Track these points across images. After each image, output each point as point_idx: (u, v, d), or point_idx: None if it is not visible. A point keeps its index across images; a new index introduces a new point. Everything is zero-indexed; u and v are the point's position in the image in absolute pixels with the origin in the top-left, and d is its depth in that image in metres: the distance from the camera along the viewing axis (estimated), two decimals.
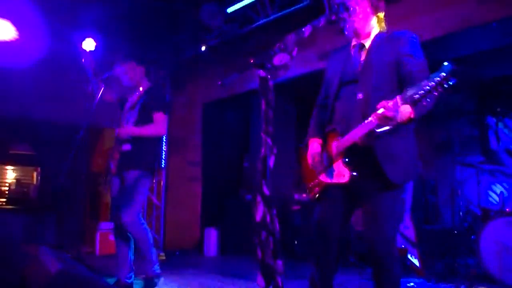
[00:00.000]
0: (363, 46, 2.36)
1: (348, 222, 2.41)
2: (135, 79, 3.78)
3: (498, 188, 4.83)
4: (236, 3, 5.47)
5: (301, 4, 4.94)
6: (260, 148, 1.84)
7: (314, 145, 2.44)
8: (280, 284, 1.77)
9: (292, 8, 5.05)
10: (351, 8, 2.27)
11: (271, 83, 1.87)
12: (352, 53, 2.39)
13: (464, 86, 6.25)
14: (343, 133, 2.24)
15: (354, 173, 2.17)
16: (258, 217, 1.82)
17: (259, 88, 1.87)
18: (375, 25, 2.37)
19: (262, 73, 1.87)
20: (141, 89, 3.78)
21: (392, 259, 2.16)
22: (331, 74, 2.48)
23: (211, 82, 6.93)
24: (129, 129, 3.60)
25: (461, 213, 4.61)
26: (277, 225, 1.81)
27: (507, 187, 4.90)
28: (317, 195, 2.36)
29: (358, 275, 4.53)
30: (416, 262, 4.17)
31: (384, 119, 1.97)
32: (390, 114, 1.94)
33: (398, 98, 1.91)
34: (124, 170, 3.57)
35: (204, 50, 6.32)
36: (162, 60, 6.99)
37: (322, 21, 2.14)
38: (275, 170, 1.84)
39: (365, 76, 2.24)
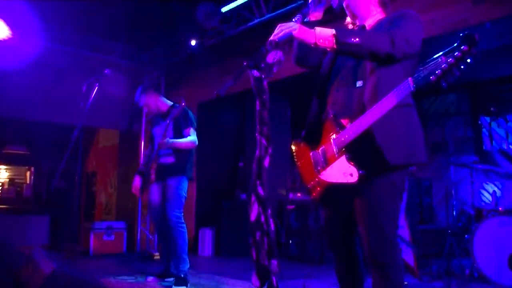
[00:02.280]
0: (364, 27, 2.14)
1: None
2: (157, 105, 4.37)
3: (491, 188, 4.85)
4: (231, 3, 5.46)
5: (295, 4, 4.95)
6: (255, 148, 1.84)
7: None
8: (275, 284, 1.76)
9: (287, 8, 5.05)
10: None
11: (265, 83, 1.86)
12: None
13: (458, 86, 6.28)
14: (338, 122, 1.99)
15: (361, 171, 1.86)
16: (253, 217, 1.82)
17: (254, 88, 1.85)
18: (377, 9, 2.16)
19: (256, 73, 1.86)
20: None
21: (393, 266, 1.93)
22: (326, 58, 2.24)
23: (206, 82, 6.92)
24: (171, 143, 4.10)
25: (455, 213, 4.63)
26: (272, 225, 1.80)
27: (500, 186, 4.93)
28: (319, 197, 2.06)
29: None
30: (410, 261, 4.18)
31: None
32: None
33: (410, 80, 1.70)
34: (168, 178, 4.12)
35: (199, 50, 6.30)
36: (157, 61, 6.98)
37: (310, 6, 2.09)
38: (270, 170, 1.83)
39: (363, 64, 2.00)
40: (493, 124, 6.09)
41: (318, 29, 1.88)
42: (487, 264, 3.89)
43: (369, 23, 2.14)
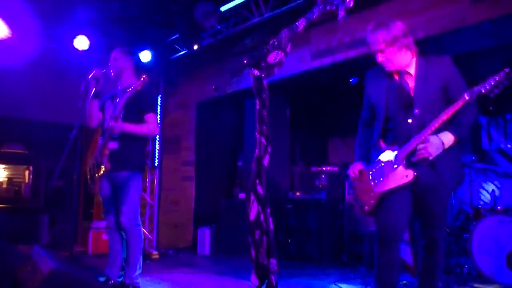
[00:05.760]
0: (407, 72, 2.45)
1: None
2: (121, 68, 3.64)
3: (490, 187, 4.85)
4: (230, 2, 5.45)
5: (294, 3, 4.94)
6: (254, 147, 1.84)
7: (358, 165, 2.62)
8: (274, 283, 1.77)
9: (286, 7, 5.05)
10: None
11: (265, 82, 1.86)
12: (397, 79, 2.48)
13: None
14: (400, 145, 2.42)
15: (415, 173, 2.35)
16: (252, 216, 1.82)
17: (254, 87, 1.86)
18: (407, 53, 2.44)
19: (256, 72, 1.86)
20: (129, 89, 3.50)
21: (444, 241, 2.51)
22: (376, 97, 2.58)
23: (204, 81, 6.92)
24: (125, 125, 3.43)
25: (453, 212, 4.63)
26: (271, 224, 1.80)
27: (498, 185, 4.93)
28: (373, 207, 2.49)
29: (351, 274, 4.55)
30: (409, 260, 4.19)
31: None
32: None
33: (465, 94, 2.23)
34: (114, 171, 3.47)
35: (197, 50, 6.29)
36: (156, 60, 6.96)
37: (315, 13, 2.11)
38: (269, 169, 1.83)
39: (419, 99, 2.39)
40: (492, 123, 6.08)
41: (446, 143, 2.32)
42: (485, 263, 3.90)
43: (410, 69, 2.46)
